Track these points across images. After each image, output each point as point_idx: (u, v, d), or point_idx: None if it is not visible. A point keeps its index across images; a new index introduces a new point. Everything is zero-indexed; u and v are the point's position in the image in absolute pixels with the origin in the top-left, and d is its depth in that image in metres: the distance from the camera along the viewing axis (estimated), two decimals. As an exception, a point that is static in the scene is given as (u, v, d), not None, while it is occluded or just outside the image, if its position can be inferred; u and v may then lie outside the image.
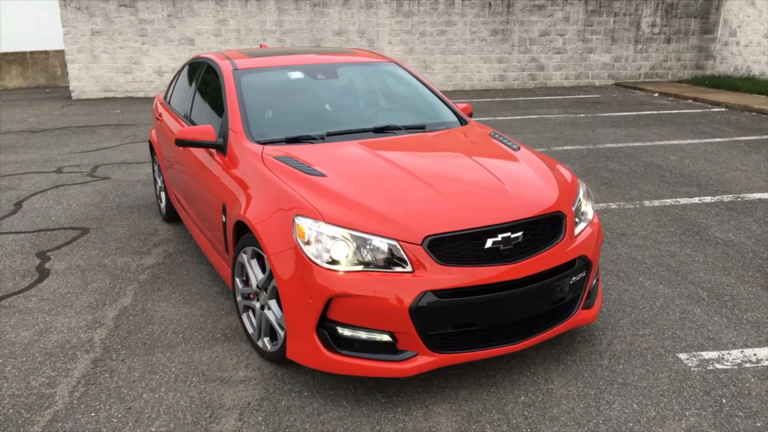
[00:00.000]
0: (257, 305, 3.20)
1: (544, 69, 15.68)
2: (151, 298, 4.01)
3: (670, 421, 2.71)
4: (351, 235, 2.72)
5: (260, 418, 2.76)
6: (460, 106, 4.47)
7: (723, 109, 11.68)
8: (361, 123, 3.95)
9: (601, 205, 5.84)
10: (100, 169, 7.70)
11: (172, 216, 5.43)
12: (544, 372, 3.10)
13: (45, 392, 2.99)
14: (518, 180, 3.20)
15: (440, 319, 2.71)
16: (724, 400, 2.85)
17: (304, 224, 2.78)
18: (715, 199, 5.95)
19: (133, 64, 14.22)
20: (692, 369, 3.10)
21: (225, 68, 4.18)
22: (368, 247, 2.71)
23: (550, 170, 3.40)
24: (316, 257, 2.73)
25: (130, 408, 2.85)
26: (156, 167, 5.68)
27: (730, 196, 6.04)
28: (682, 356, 3.22)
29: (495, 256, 2.80)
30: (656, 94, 13.84)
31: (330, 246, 2.72)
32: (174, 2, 14.01)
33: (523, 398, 2.89)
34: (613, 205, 5.81)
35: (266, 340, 3.17)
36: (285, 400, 2.90)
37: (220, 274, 3.89)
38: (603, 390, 2.94)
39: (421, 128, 3.96)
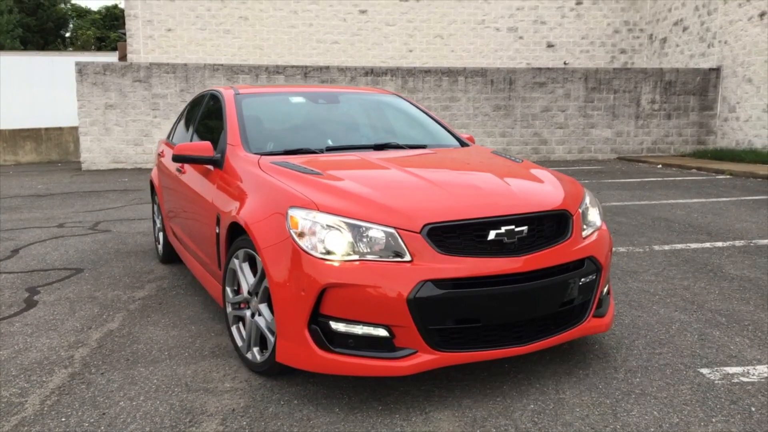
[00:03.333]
0: (248, 313, 3.02)
1: (546, 143, 15.90)
2: (139, 322, 3.81)
3: (695, 426, 2.46)
4: (346, 223, 2.59)
5: (244, 423, 2.52)
6: (464, 136, 4.44)
7: (727, 176, 11.67)
8: (361, 142, 3.90)
9: (610, 249, 5.67)
10: (101, 224, 7.63)
11: (169, 257, 5.29)
12: (555, 384, 2.85)
13: (15, 401, 2.76)
14: (523, 182, 3.10)
15: (441, 313, 2.52)
16: (753, 409, 2.59)
17: (298, 215, 2.66)
18: (727, 244, 5.78)
19: (143, 137, 14.51)
20: (716, 382, 2.86)
21: (227, 94, 4.19)
22: (364, 235, 2.57)
23: (555, 177, 3.30)
24: (311, 248, 2.58)
25: (104, 414, 2.62)
26: (155, 208, 5.61)
27: (742, 241, 5.87)
28: (704, 371, 2.98)
29: (499, 249, 2.65)
30: (660, 166, 13.91)
31: (324, 236, 2.58)
32: (187, 78, 14.48)
33: (532, 406, 2.64)
34: (622, 249, 5.65)
35: (255, 350, 2.97)
36: (272, 407, 2.66)
37: (212, 295, 3.71)
38: (619, 399, 2.69)
39: (422, 147, 3.90)
